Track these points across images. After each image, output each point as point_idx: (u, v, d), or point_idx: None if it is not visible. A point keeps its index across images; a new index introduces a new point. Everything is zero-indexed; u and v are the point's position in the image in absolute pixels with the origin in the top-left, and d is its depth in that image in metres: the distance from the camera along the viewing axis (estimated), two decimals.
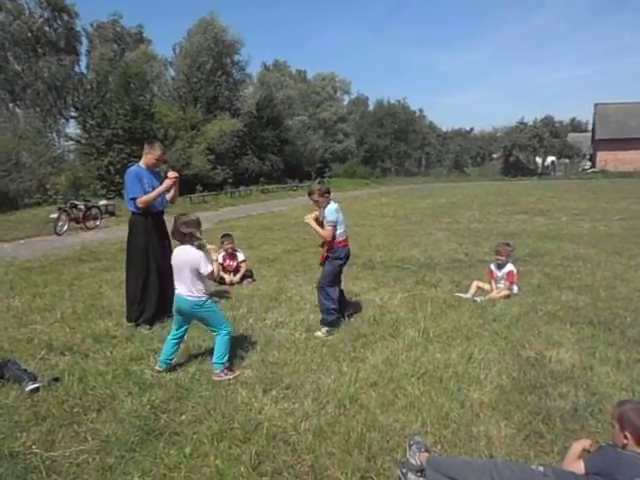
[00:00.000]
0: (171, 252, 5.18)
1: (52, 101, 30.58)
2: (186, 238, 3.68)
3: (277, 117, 34.51)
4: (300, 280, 6.64)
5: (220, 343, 3.70)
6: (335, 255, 4.57)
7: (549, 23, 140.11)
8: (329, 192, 4.55)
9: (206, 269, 3.61)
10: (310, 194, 4.57)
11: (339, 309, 4.67)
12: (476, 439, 2.75)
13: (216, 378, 3.58)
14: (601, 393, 3.23)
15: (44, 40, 29.84)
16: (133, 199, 4.84)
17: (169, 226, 5.29)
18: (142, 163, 4.96)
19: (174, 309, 3.83)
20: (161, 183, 4.95)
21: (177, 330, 3.83)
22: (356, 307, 5.26)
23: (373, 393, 3.30)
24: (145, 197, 4.81)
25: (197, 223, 3.73)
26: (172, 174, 4.96)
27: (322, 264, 4.73)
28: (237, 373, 3.67)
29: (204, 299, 3.69)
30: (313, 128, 41.69)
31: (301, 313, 5.13)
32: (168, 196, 5.12)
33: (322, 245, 4.71)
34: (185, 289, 3.67)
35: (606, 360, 3.75)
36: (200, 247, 3.70)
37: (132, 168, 4.97)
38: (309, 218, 4.57)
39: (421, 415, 2.99)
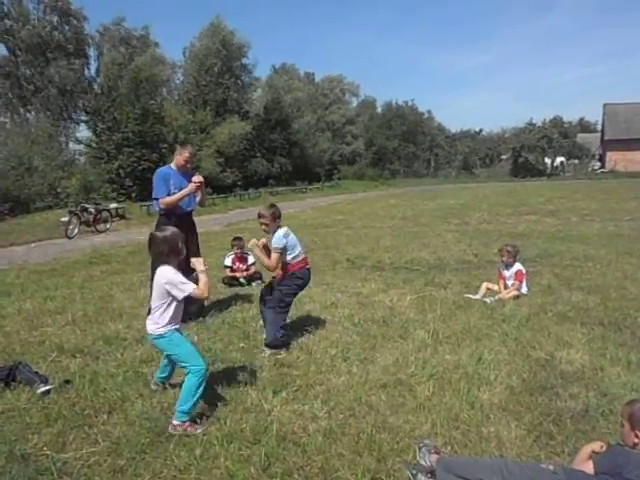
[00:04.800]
0: (196, 253, 5.18)
1: (62, 105, 30.91)
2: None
3: (285, 119, 34.64)
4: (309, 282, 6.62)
5: (186, 385, 3.00)
6: (292, 278, 4.24)
7: (558, 24, 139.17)
8: (280, 216, 4.19)
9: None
10: (260, 217, 4.15)
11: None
12: (486, 440, 2.74)
13: (171, 430, 2.89)
14: (612, 394, 3.20)
15: (53, 45, 30.13)
16: (156, 199, 4.90)
17: (199, 226, 5.34)
18: (173, 164, 5.05)
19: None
20: None
21: None
22: (365, 309, 5.26)
23: (383, 395, 3.29)
24: (168, 199, 4.85)
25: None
26: (197, 178, 4.96)
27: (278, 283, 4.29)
28: (200, 430, 2.89)
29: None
30: (321, 130, 41.79)
31: (310, 314, 5.14)
32: (197, 199, 5.17)
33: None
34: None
35: (617, 361, 3.72)
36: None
37: (161, 168, 5.07)
38: (256, 244, 4.12)
39: (431, 416, 2.98)
